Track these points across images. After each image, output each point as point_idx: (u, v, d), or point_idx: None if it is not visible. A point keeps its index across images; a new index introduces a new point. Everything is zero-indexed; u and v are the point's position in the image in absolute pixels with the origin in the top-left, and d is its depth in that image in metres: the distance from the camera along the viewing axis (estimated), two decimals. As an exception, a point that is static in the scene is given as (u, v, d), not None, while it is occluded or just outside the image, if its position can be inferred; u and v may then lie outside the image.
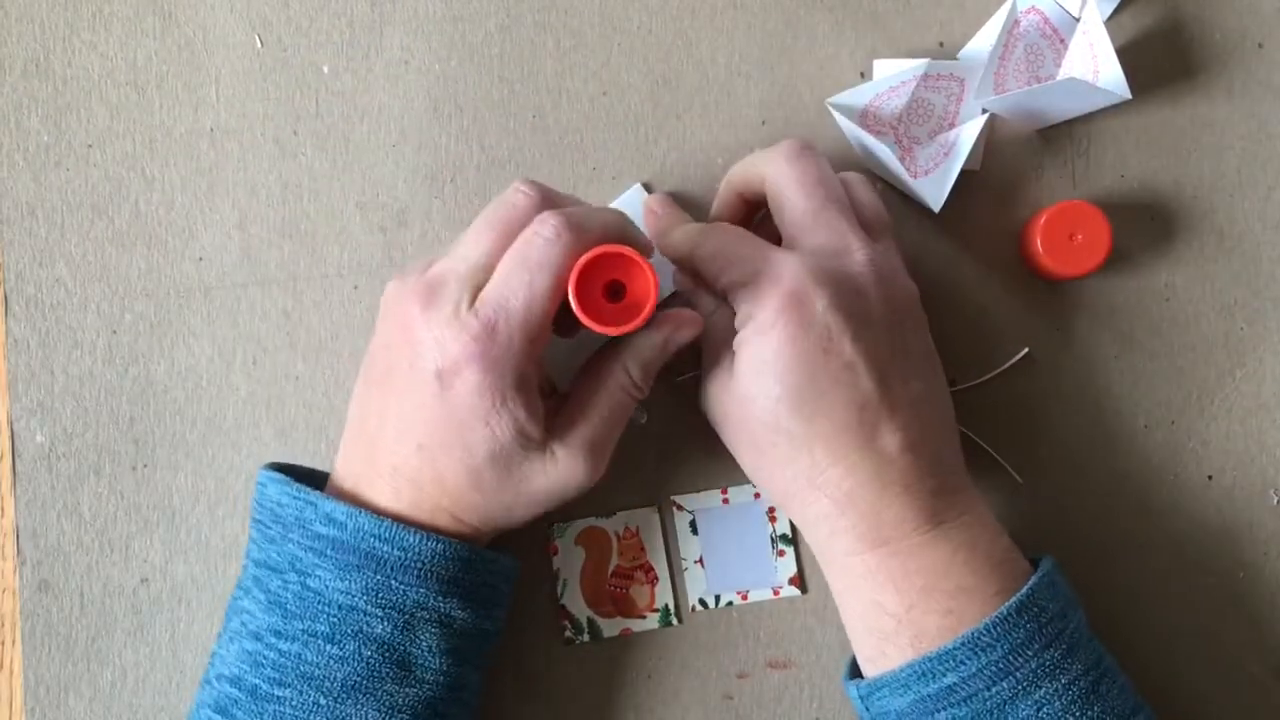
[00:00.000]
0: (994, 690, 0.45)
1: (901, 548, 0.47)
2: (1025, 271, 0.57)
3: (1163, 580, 0.56)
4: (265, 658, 0.47)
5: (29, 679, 0.55)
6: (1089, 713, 0.46)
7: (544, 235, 0.46)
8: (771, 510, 0.56)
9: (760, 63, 0.57)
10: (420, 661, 0.48)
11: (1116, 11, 0.57)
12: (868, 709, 0.49)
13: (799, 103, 0.57)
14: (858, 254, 0.48)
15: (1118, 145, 0.57)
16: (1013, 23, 0.56)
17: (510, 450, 0.47)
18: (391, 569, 0.47)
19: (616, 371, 0.49)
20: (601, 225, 0.47)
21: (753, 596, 0.56)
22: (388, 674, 0.47)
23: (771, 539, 0.56)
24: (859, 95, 0.55)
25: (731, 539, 0.56)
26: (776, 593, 0.56)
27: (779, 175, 0.50)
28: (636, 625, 0.56)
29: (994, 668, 0.45)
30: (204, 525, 0.56)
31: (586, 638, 0.56)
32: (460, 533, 0.48)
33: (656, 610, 0.56)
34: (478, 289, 0.46)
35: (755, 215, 0.55)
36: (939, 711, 0.46)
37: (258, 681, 0.47)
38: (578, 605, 0.56)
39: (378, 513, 0.47)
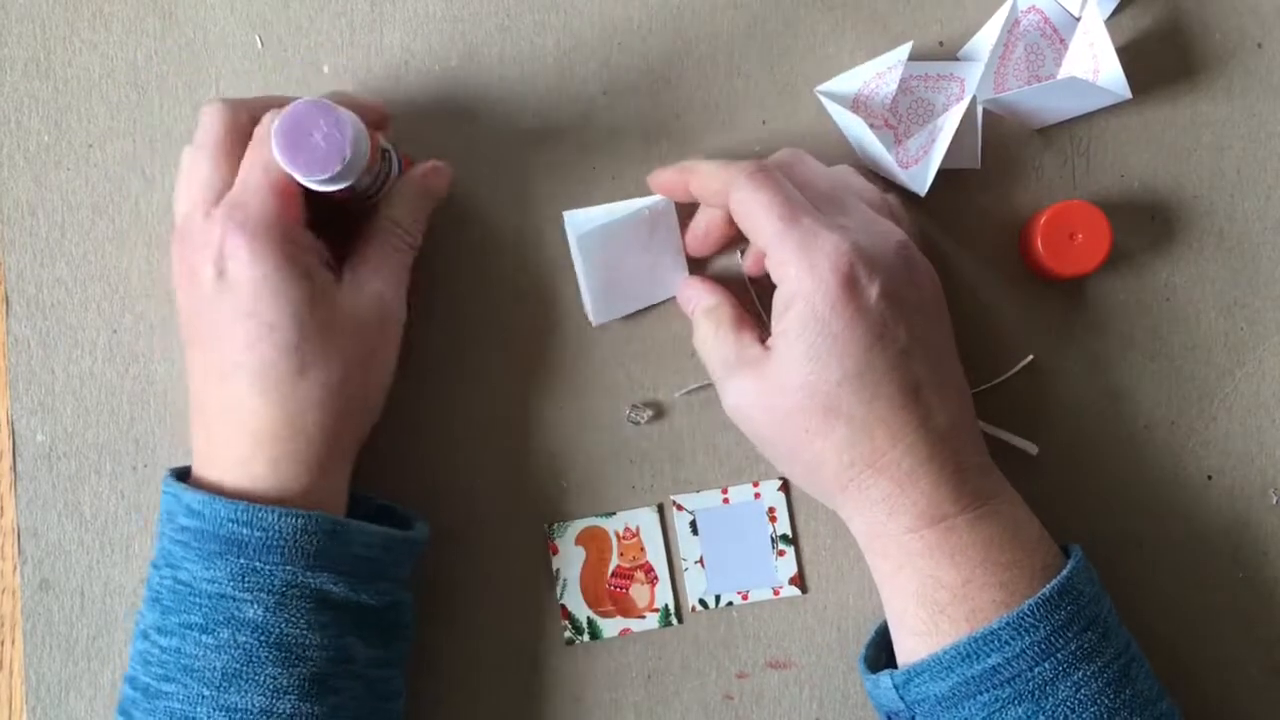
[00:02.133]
0: (1036, 671, 0.46)
1: (959, 523, 0.48)
2: (1025, 271, 0.57)
3: (1162, 580, 0.56)
4: (152, 655, 0.48)
5: (30, 678, 0.55)
6: (1122, 695, 0.46)
7: (263, 122, 0.49)
8: (772, 510, 0.56)
9: (760, 63, 0.57)
10: (298, 639, 0.47)
11: (1116, 11, 0.57)
12: (903, 697, 0.49)
13: (799, 102, 0.57)
14: (895, 235, 0.49)
15: (1118, 145, 0.57)
16: (1013, 22, 0.56)
17: (305, 300, 0.48)
18: (254, 551, 0.47)
19: (379, 218, 0.52)
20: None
21: (753, 596, 0.56)
22: (267, 656, 0.47)
23: (771, 539, 0.56)
24: (847, 82, 0.55)
25: (731, 539, 0.56)
26: (776, 593, 0.56)
27: (749, 200, 0.49)
28: (636, 625, 0.56)
29: (1037, 648, 0.46)
30: (204, 525, 0.56)
31: (586, 638, 0.56)
32: (317, 468, 0.49)
33: (656, 610, 0.56)
34: (217, 198, 0.49)
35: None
36: (981, 693, 0.46)
37: (148, 680, 0.48)
38: (578, 605, 0.56)
39: (236, 491, 0.48)
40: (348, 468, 0.51)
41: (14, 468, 0.56)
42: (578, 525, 0.56)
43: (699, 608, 0.56)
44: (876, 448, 0.48)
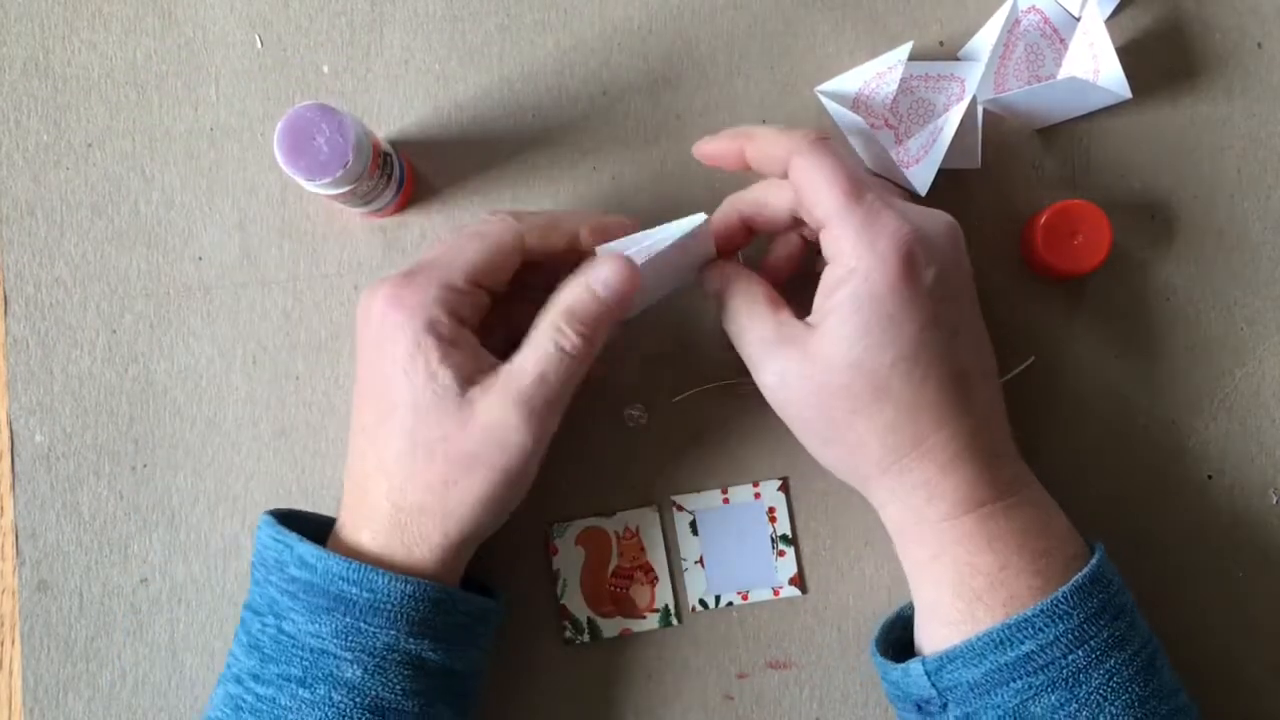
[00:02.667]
0: (1069, 659, 0.46)
1: (996, 510, 0.48)
2: (1025, 271, 0.57)
3: (1162, 579, 0.56)
4: (245, 702, 0.47)
5: (28, 679, 0.55)
6: (1150, 684, 0.47)
7: (484, 215, 0.50)
8: (772, 510, 0.56)
9: (760, 63, 0.57)
10: (392, 704, 0.47)
11: (1116, 11, 0.57)
12: (935, 684, 0.48)
13: (799, 102, 0.57)
14: (945, 218, 0.49)
15: (1118, 145, 0.57)
16: (1013, 22, 0.56)
17: (427, 399, 0.46)
18: (361, 611, 0.47)
19: (543, 323, 0.48)
20: (548, 215, 0.51)
21: (753, 596, 0.56)
22: (359, 718, 0.47)
23: (771, 539, 0.56)
24: (847, 82, 0.55)
25: (731, 539, 0.56)
26: (776, 593, 0.56)
27: (813, 169, 0.48)
28: (636, 625, 0.56)
29: (1070, 636, 0.46)
30: (203, 525, 0.56)
31: (586, 638, 0.56)
32: (436, 558, 0.48)
33: (656, 610, 0.56)
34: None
35: (749, 241, 0.54)
36: (1014, 680, 0.46)
37: None
38: (578, 605, 0.56)
39: (360, 554, 0.48)
40: (468, 552, 0.50)
41: (12, 468, 0.56)
42: (578, 525, 0.56)
43: (699, 608, 0.56)
44: (920, 432, 0.47)
